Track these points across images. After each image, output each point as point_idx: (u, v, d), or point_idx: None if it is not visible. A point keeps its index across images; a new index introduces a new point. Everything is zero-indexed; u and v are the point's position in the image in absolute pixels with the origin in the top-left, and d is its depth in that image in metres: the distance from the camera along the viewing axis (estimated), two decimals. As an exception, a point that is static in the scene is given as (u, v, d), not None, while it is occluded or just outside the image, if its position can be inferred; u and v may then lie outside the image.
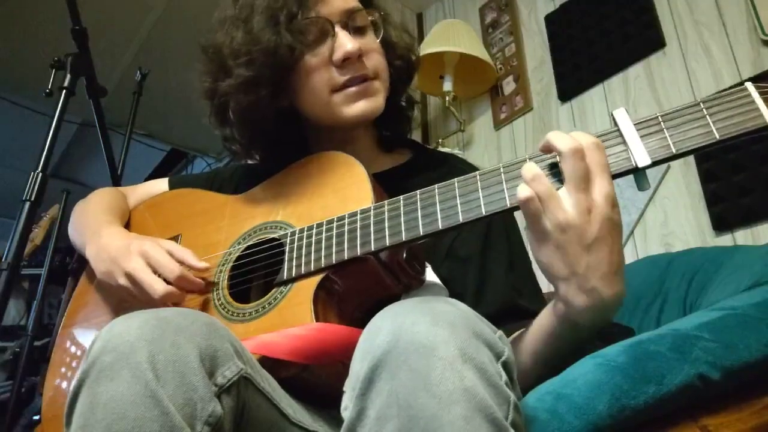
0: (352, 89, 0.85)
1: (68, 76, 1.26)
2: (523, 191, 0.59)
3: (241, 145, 0.93)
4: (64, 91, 1.24)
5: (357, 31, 0.88)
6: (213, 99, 0.89)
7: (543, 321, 0.67)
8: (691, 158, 1.67)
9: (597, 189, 0.58)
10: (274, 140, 0.95)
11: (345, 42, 0.84)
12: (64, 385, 0.86)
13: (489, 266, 0.84)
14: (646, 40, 1.88)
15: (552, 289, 0.63)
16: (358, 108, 0.86)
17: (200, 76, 0.89)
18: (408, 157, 0.99)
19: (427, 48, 2.26)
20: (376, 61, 0.88)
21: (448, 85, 2.30)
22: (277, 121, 0.91)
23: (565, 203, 0.58)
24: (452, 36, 2.25)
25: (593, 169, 0.59)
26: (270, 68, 0.82)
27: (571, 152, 0.58)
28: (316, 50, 0.85)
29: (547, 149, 0.62)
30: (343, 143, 0.88)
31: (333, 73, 0.85)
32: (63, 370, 0.88)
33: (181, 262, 0.79)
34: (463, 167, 0.96)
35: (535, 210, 0.59)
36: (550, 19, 2.25)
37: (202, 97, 0.90)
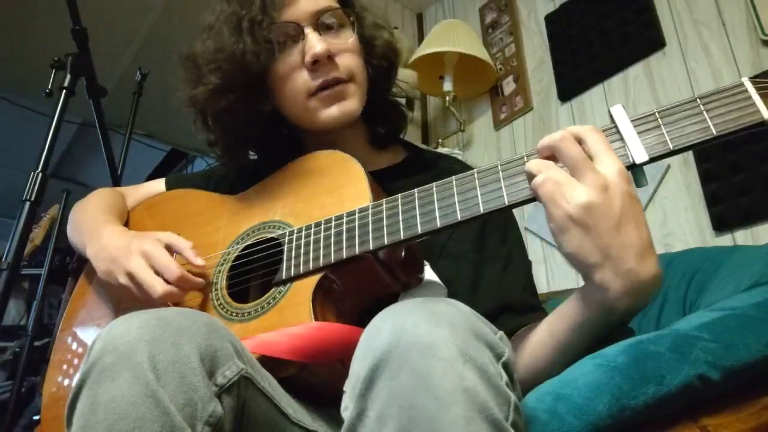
0: (325, 93, 0.85)
1: (68, 76, 1.26)
2: (538, 178, 0.59)
3: (224, 149, 0.94)
4: (64, 91, 1.24)
5: (330, 32, 0.88)
6: (194, 106, 0.90)
7: (569, 312, 0.63)
8: (690, 158, 1.67)
9: (606, 166, 0.57)
10: (264, 143, 0.96)
11: (314, 44, 0.84)
12: (64, 385, 0.86)
13: (483, 264, 0.83)
14: (646, 40, 1.89)
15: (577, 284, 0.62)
16: (332, 112, 0.86)
17: (181, 85, 0.90)
18: (402, 156, 0.99)
19: (427, 48, 2.27)
20: (350, 61, 0.88)
21: (448, 85, 2.30)
22: (265, 125, 0.92)
23: (581, 185, 0.57)
24: (452, 36, 2.25)
25: (596, 149, 0.58)
26: (237, 75, 0.84)
27: (561, 139, 0.59)
28: (288, 54, 0.86)
29: (543, 153, 0.62)
30: (334, 144, 0.88)
31: (307, 76, 0.85)
32: (62, 370, 0.88)
33: (180, 253, 0.80)
34: (458, 168, 0.96)
35: (553, 192, 0.57)
36: (550, 19, 2.25)
37: (185, 104, 0.91)
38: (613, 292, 0.57)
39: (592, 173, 0.57)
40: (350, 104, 0.87)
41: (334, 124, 0.87)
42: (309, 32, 0.85)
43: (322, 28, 0.87)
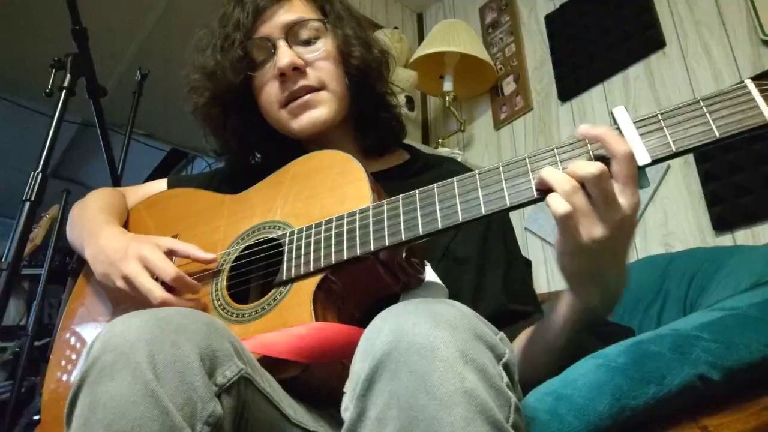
0: (295, 103, 0.89)
1: (68, 76, 1.25)
2: (563, 206, 0.57)
3: (229, 156, 1.00)
4: (64, 91, 1.24)
5: (304, 43, 0.91)
6: (198, 120, 0.96)
7: (556, 317, 0.68)
8: (691, 158, 1.67)
9: (626, 199, 0.57)
10: (266, 148, 1.00)
11: (280, 57, 0.87)
12: (64, 385, 0.86)
13: (486, 269, 0.84)
14: (646, 40, 1.88)
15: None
16: (303, 121, 0.89)
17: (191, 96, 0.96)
18: (404, 159, 1.00)
19: (427, 48, 2.27)
20: (322, 71, 0.90)
21: (448, 85, 2.30)
22: (260, 133, 0.96)
23: (606, 216, 0.57)
24: (452, 36, 2.25)
25: (624, 180, 0.57)
26: (216, 90, 0.90)
27: (600, 176, 0.57)
28: (263, 68, 0.90)
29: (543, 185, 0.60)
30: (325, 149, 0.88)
31: (277, 88, 0.89)
32: (62, 370, 0.88)
33: (186, 257, 0.80)
34: (459, 170, 0.96)
35: (576, 223, 0.58)
36: (550, 19, 2.25)
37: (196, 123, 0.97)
38: (594, 303, 0.63)
39: (614, 212, 0.57)
40: (319, 113, 0.89)
41: (308, 133, 0.90)
42: (280, 45, 0.89)
43: (296, 40, 0.90)
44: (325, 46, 0.91)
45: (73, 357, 0.88)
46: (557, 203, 0.58)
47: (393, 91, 1.00)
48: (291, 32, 0.89)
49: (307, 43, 0.91)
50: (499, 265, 0.84)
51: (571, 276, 0.63)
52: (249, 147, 1.00)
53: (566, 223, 0.58)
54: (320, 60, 0.90)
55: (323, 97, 0.89)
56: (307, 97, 0.88)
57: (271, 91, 0.90)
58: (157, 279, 0.77)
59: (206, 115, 0.93)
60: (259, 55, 0.90)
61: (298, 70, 0.88)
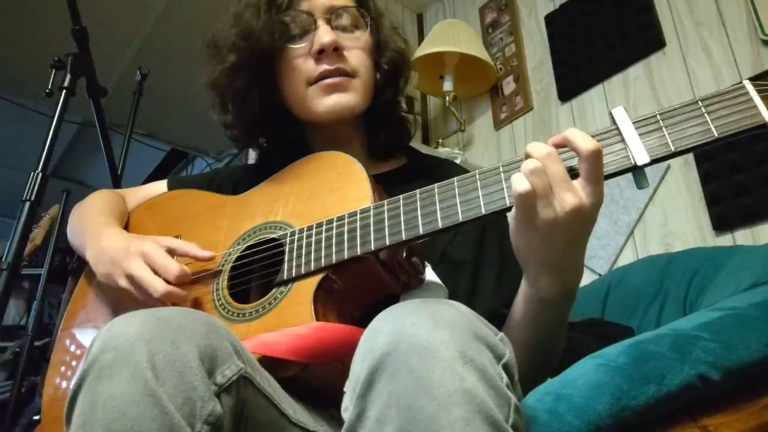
0: (326, 81, 0.88)
1: (68, 76, 1.25)
2: (522, 184, 0.59)
3: (240, 131, 0.97)
4: (64, 91, 1.24)
5: (343, 29, 0.91)
6: (214, 89, 0.93)
7: (517, 307, 0.71)
8: (690, 158, 1.67)
9: (589, 193, 0.59)
10: (275, 134, 0.98)
11: (322, 34, 0.87)
12: (64, 386, 0.86)
13: (481, 273, 0.84)
14: (646, 40, 1.88)
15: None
16: (330, 101, 0.88)
17: (204, 69, 0.94)
18: (404, 161, 1.00)
19: (427, 48, 2.26)
20: (357, 59, 0.90)
21: (448, 85, 2.30)
22: (277, 114, 0.94)
23: (556, 201, 0.59)
24: (452, 36, 2.25)
25: (592, 176, 0.59)
26: (250, 52, 0.87)
27: (545, 156, 0.59)
28: (298, 43, 0.89)
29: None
30: (333, 146, 0.88)
31: (310, 65, 0.88)
32: (63, 371, 0.88)
33: (185, 255, 0.80)
34: (456, 172, 0.96)
35: (530, 205, 0.59)
36: (550, 19, 2.25)
37: (207, 87, 0.94)
38: (551, 293, 0.65)
39: (570, 198, 0.59)
40: (349, 97, 0.88)
41: (331, 114, 0.88)
42: (321, 24, 0.88)
43: (337, 24, 0.90)
44: (364, 36, 0.92)
45: (74, 358, 0.88)
46: (517, 181, 0.59)
47: (404, 97, 1.02)
48: (334, 15, 0.90)
49: (347, 29, 0.91)
50: (493, 270, 0.84)
51: (523, 255, 0.64)
52: (259, 127, 0.97)
53: (523, 201, 0.59)
54: (358, 48, 0.91)
55: (356, 84, 0.89)
56: (340, 78, 0.88)
57: (302, 67, 0.89)
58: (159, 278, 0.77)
59: (229, 79, 0.90)
60: (296, 28, 0.89)
61: (337, 51, 0.88)
